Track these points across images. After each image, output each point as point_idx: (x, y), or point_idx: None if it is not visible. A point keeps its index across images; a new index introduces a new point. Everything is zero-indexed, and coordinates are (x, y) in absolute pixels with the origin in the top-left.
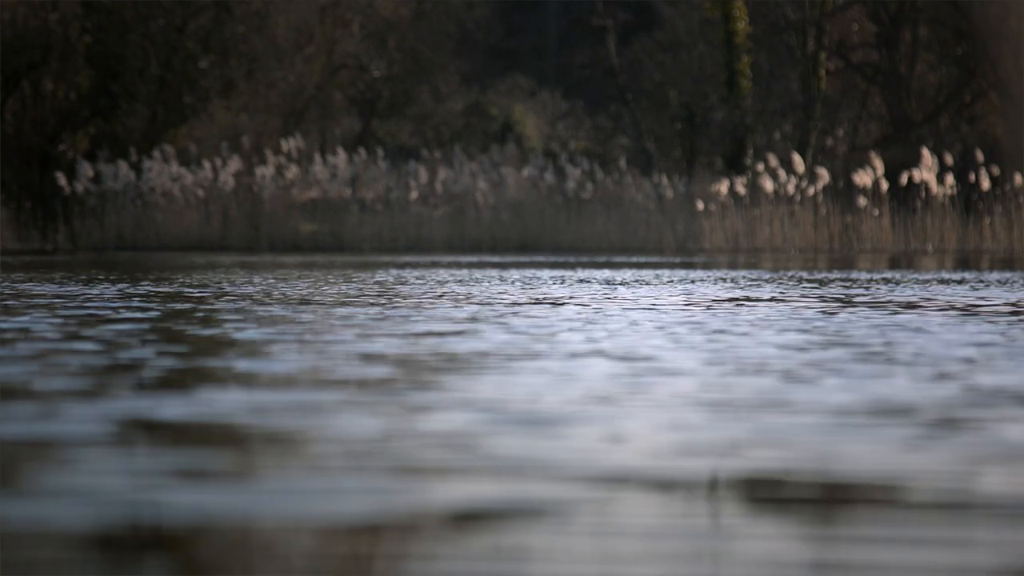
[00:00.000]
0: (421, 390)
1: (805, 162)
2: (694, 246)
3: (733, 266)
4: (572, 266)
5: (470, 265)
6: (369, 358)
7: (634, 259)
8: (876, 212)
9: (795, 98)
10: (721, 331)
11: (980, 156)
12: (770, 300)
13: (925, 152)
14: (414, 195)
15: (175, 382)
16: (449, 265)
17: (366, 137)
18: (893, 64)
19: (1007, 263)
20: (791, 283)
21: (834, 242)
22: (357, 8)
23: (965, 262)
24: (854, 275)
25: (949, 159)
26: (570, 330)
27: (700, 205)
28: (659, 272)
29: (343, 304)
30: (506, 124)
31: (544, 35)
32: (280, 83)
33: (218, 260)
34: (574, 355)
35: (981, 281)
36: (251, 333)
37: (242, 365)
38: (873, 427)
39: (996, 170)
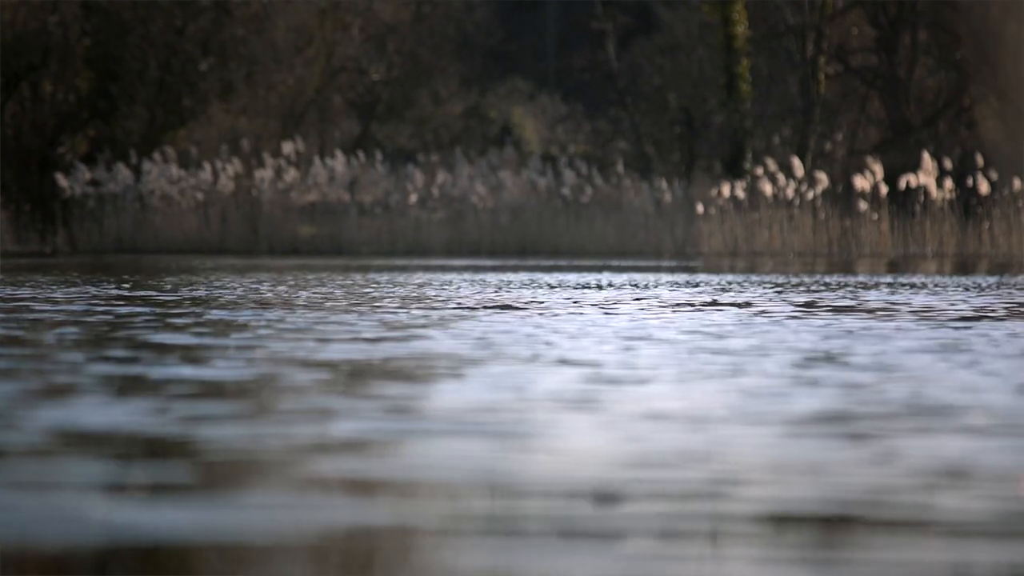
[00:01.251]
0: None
1: (804, 166)
2: (692, 250)
3: (722, 271)
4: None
5: (460, 268)
6: (278, 362)
7: (629, 262)
8: (875, 216)
9: (794, 102)
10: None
11: (979, 160)
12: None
13: (924, 156)
14: (413, 199)
15: (60, 390)
16: (434, 268)
17: (365, 140)
18: (892, 68)
19: (1005, 267)
20: (757, 287)
21: (833, 246)
22: (356, 11)
23: (964, 266)
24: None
25: (948, 163)
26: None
27: (699, 209)
28: (629, 276)
29: (286, 308)
30: (505, 127)
31: (543, 38)
32: (279, 86)
33: (197, 263)
34: (470, 361)
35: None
36: (160, 337)
37: (129, 371)
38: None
39: (995, 174)
